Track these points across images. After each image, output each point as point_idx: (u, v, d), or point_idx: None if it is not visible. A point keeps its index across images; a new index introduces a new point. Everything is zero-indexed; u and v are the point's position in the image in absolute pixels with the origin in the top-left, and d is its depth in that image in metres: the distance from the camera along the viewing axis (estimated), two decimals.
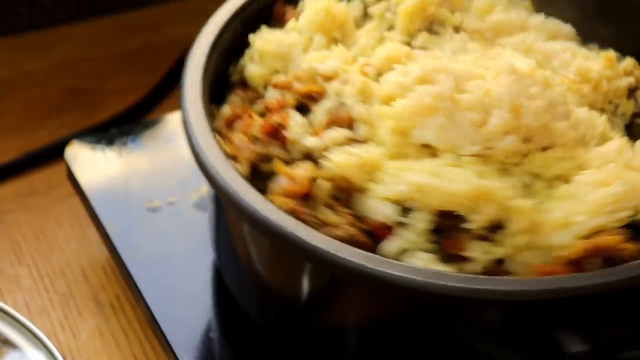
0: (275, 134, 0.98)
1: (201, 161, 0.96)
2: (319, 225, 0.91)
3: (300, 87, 1.01)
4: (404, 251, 0.92)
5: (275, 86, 1.03)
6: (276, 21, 1.13)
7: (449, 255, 0.92)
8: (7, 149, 1.41)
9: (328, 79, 1.01)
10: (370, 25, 1.12)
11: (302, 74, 1.03)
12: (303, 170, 0.94)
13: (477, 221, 0.91)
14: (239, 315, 1.10)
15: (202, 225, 1.23)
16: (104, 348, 1.17)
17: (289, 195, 0.93)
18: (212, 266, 1.19)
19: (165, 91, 1.50)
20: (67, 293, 1.23)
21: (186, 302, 1.14)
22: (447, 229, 0.92)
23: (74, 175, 1.28)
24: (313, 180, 0.94)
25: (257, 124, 0.99)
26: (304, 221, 0.91)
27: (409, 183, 0.92)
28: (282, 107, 1.01)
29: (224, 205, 1.04)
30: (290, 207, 0.91)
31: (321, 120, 0.99)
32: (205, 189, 1.27)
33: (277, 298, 1.04)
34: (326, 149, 0.96)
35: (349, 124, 0.98)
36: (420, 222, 0.92)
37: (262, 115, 1.02)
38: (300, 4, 1.14)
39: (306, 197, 0.93)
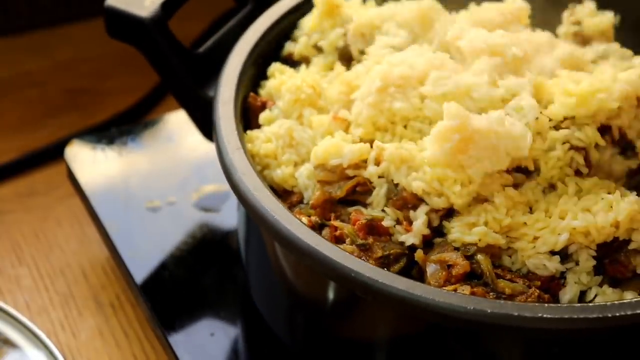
0: (375, 229, 0.96)
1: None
2: (506, 298, 0.91)
3: (339, 192, 0.98)
4: (582, 294, 0.94)
5: (314, 207, 0.99)
6: (257, 115, 1.09)
7: (617, 280, 0.94)
8: (7, 149, 1.41)
9: (356, 166, 0.98)
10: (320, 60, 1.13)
11: (328, 175, 0.99)
12: (453, 253, 0.93)
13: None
14: (267, 335, 1.11)
15: (202, 225, 1.23)
16: (104, 348, 1.17)
17: (457, 279, 0.92)
18: (218, 273, 1.19)
19: (165, 91, 1.50)
20: (67, 293, 1.23)
21: (186, 301, 1.14)
22: (607, 257, 0.94)
23: (74, 175, 1.28)
24: (470, 257, 0.93)
25: (348, 230, 0.96)
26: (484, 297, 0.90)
27: (568, 230, 0.93)
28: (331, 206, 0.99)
29: (261, 231, 1.03)
30: (481, 293, 0.90)
31: (391, 211, 0.96)
32: (205, 188, 1.28)
33: (309, 318, 1.05)
34: (422, 238, 0.95)
35: (417, 199, 0.96)
36: (586, 261, 0.94)
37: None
38: (261, 90, 1.12)
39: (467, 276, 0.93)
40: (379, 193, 0.97)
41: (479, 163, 0.93)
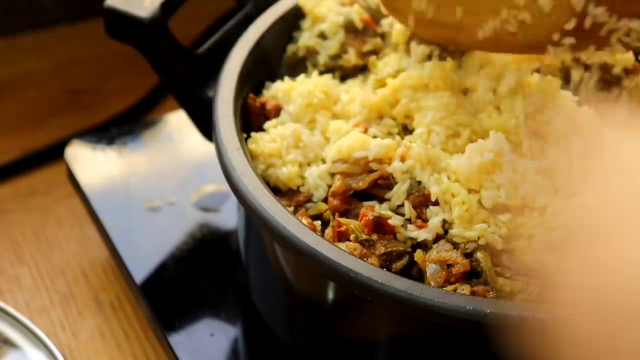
0: (381, 227, 0.96)
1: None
2: (504, 296, 0.91)
3: (361, 183, 0.99)
4: None
5: (334, 195, 1.00)
6: (256, 115, 1.09)
7: None
8: (7, 149, 1.42)
9: (380, 161, 1.00)
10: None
11: (350, 167, 1.01)
12: (453, 252, 0.93)
13: None
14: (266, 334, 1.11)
15: (202, 225, 1.23)
16: (104, 348, 1.17)
17: (456, 278, 0.92)
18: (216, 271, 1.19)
19: (165, 91, 1.50)
20: (68, 293, 1.23)
21: (186, 301, 1.15)
22: None
23: (74, 175, 1.28)
24: (469, 255, 0.94)
25: (354, 225, 0.97)
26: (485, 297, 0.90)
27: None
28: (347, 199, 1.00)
29: (259, 229, 1.04)
30: (481, 292, 0.90)
31: (407, 206, 0.97)
32: (205, 188, 1.28)
33: (309, 318, 1.04)
34: (434, 235, 0.96)
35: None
36: None
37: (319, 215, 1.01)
38: (266, 92, 1.12)
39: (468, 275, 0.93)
40: (400, 188, 0.98)
41: (495, 191, 0.95)
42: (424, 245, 0.96)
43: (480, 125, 1.03)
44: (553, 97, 1.03)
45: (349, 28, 1.15)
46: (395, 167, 0.99)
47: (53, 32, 1.61)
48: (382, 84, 1.10)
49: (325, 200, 1.01)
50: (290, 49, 1.17)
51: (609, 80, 1.12)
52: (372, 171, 1.00)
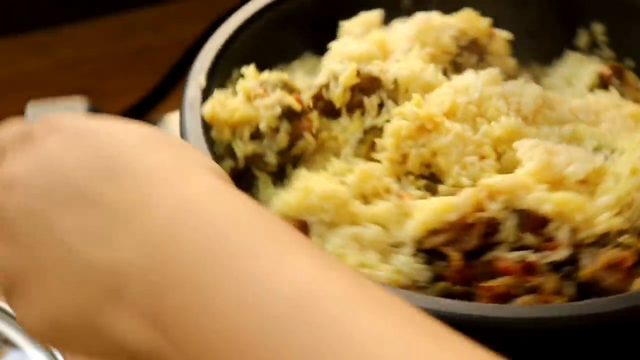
0: (530, 269, 0.91)
1: None
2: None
3: (474, 241, 0.92)
4: None
5: (454, 273, 0.94)
6: None
7: None
8: None
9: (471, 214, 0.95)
10: None
11: (450, 234, 0.93)
12: (612, 251, 0.91)
13: None
14: None
15: None
16: None
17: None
18: None
19: (165, 91, 1.50)
20: None
21: None
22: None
23: None
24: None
25: (509, 281, 0.90)
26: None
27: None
28: None
29: None
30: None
31: (530, 237, 0.92)
32: None
33: None
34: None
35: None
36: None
37: None
38: None
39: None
40: (509, 225, 0.92)
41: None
42: (564, 262, 0.92)
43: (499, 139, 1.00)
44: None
45: (289, 114, 1.04)
46: (494, 209, 0.92)
47: (53, 32, 1.62)
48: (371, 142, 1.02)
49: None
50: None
51: (478, 51, 1.13)
52: (467, 227, 0.92)
